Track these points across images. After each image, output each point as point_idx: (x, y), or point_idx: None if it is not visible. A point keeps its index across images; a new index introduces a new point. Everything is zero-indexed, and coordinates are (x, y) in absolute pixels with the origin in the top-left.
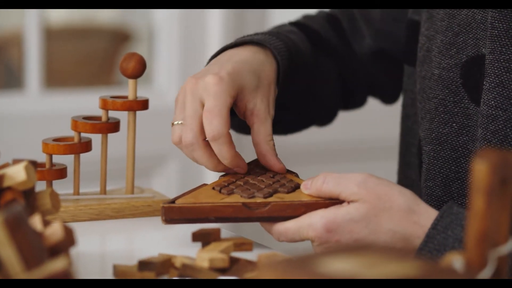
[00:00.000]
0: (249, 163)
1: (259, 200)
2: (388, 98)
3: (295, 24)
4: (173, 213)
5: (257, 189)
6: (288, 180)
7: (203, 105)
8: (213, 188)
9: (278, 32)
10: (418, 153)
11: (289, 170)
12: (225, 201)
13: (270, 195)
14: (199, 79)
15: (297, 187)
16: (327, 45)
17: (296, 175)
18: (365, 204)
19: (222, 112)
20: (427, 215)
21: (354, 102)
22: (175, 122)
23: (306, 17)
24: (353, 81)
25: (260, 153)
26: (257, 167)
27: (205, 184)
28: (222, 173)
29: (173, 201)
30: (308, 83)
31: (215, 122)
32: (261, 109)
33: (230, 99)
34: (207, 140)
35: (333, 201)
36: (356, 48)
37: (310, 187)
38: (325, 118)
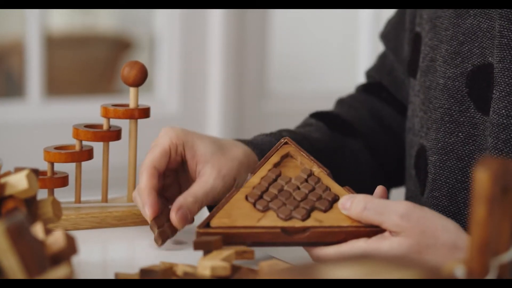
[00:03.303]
0: (282, 153)
1: (297, 224)
2: None
3: (314, 115)
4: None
5: (294, 205)
6: (324, 188)
7: None
8: (246, 199)
9: (283, 130)
10: (415, 164)
11: (321, 165)
12: (262, 224)
13: (308, 214)
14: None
15: (334, 200)
16: (351, 127)
17: (329, 174)
18: (408, 239)
19: (155, 149)
20: None
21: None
22: None
23: (337, 100)
24: (396, 157)
25: (175, 202)
26: (286, 162)
27: (236, 189)
28: (252, 169)
29: (207, 223)
30: (333, 166)
31: (147, 157)
32: (206, 173)
33: (168, 143)
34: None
35: (375, 229)
36: (399, 96)
37: (349, 210)
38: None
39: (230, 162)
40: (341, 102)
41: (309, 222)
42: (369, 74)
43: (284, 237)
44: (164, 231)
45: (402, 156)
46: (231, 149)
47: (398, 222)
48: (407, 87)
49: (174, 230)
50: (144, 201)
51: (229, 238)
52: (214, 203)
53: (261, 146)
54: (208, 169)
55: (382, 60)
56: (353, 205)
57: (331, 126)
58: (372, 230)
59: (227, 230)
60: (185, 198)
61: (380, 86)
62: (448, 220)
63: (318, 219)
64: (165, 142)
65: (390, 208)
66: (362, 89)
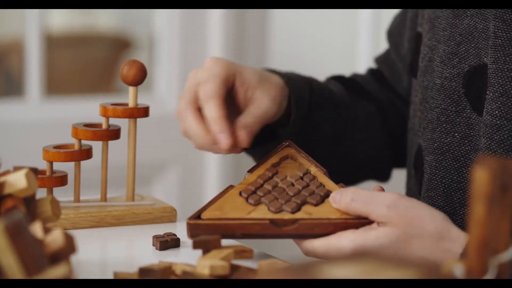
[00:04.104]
0: (281, 155)
1: (286, 216)
2: None
3: (332, 78)
4: (199, 230)
5: (285, 199)
6: (318, 184)
7: (199, 84)
8: (240, 194)
9: (310, 78)
10: (415, 163)
11: (318, 165)
12: (252, 216)
13: (298, 208)
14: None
15: (326, 195)
16: (365, 90)
17: (326, 173)
18: (395, 229)
19: (215, 79)
20: (459, 241)
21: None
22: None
23: (352, 74)
24: (402, 134)
25: (238, 122)
26: (285, 163)
27: (232, 186)
28: (249, 168)
29: (198, 216)
30: (345, 122)
31: (207, 86)
32: (257, 98)
33: (224, 72)
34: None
35: (363, 220)
36: (399, 90)
37: (338, 202)
38: (378, 170)
39: (275, 86)
40: (355, 74)
41: (298, 215)
42: (376, 61)
43: (273, 229)
44: (164, 237)
45: (405, 138)
46: (271, 77)
47: (385, 213)
48: (404, 83)
49: (175, 241)
50: (221, 129)
51: (219, 229)
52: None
53: (293, 83)
54: (259, 93)
55: (387, 53)
56: (342, 198)
57: (349, 89)
58: (361, 221)
59: (217, 221)
60: (245, 119)
61: (383, 75)
62: (435, 210)
63: (308, 212)
64: (221, 72)
65: (377, 199)
66: (370, 72)
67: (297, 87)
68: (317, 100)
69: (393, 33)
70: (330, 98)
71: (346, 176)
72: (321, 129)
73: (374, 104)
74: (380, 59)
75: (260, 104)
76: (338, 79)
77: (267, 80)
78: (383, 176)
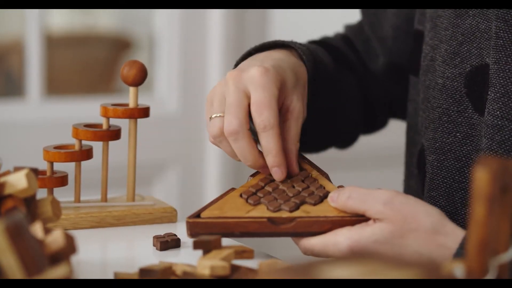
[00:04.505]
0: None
1: (284, 214)
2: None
3: (314, 42)
4: (198, 228)
5: (284, 200)
6: (318, 186)
7: (247, 96)
8: (241, 196)
9: (299, 42)
10: (418, 163)
11: (320, 170)
12: (250, 215)
13: (297, 207)
14: (242, 71)
15: (326, 196)
16: (347, 60)
17: (327, 176)
18: (390, 225)
19: (272, 103)
20: (454, 236)
21: (375, 124)
22: (214, 115)
23: (323, 37)
24: (373, 100)
25: (284, 150)
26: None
27: (233, 189)
28: (252, 173)
29: (198, 215)
30: (332, 96)
31: (266, 113)
32: (296, 107)
33: (277, 90)
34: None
35: (359, 217)
36: (371, 67)
37: (336, 200)
38: (345, 139)
39: (304, 88)
40: (333, 39)
41: (296, 213)
42: (348, 30)
43: (271, 227)
44: (164, 237)
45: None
46: (299, 71)
47: (381, 209)
48: (379, 63)
49: (175, 241)
50: (277, 163)
51: (218, 227)
52: None
53: (308, 64)
54: (295, 102)
55: (361, 27)
56: (339, 196)
57: (335, 59)
58: (358, 219)
59: (215, 220)
60: (296, 146)
61: (356, 47)
62: (431, 206)
63: (306, 210)
64: (275, 92)
65: (373, 196)
66: (343, 40)
67: (309, 67)
68: (316, 77)
69: (369, 10)
70: (324, 72)
71: (314, 145)
72: (311, 105)
73: (355, 76)
74: (353, 30)
75: (299, 119)
76: (319, 43)
77: (299, 79)
78: (345, 146)
